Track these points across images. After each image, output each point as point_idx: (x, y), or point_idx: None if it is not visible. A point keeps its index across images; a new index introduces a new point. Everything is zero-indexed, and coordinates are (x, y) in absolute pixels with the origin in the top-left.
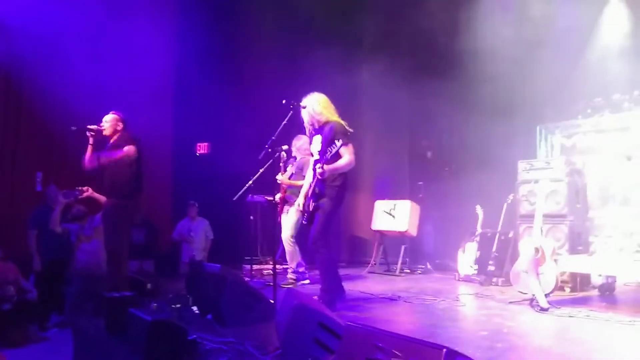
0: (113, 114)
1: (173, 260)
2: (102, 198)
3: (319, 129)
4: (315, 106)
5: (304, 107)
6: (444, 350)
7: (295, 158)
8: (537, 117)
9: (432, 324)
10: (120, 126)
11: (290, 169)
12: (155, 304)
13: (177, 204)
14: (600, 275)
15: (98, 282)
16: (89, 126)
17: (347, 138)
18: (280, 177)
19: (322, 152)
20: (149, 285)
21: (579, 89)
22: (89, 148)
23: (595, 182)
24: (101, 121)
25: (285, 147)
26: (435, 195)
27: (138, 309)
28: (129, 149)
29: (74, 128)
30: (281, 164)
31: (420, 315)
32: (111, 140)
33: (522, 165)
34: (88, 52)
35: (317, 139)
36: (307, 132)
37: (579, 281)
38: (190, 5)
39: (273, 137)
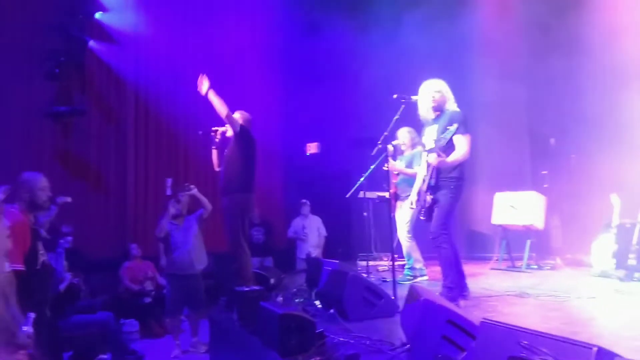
0: (238, 112)
1: (290, 257)
2: (204, 198)
3: (436, 118)
4: (446, 92)
5: (437, 91)
6: (595, 348)
7: (403, 152)
8: None
9: (568, 323)
10: (242, 125)
11: (399, 163)
12: (281, 298)
13: (290, 203)
14: None
15: (193, 281)
16: (213, 128)
17: (466, 128)
18: (392, 163)
19: (437, 142)
20: (272, 281)
21: None
22: (214, 150)
23: None
24: (223, 123)
25: (395, 142)
26: (561, 185)
27: (267, 303)
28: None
29: (200, 132)
30: (389, 159)
31: (553, 313)
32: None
33: None
34: (203, 57)
35: (433, 129)
36: (421, 122)
37: None
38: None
39: (385, 133)
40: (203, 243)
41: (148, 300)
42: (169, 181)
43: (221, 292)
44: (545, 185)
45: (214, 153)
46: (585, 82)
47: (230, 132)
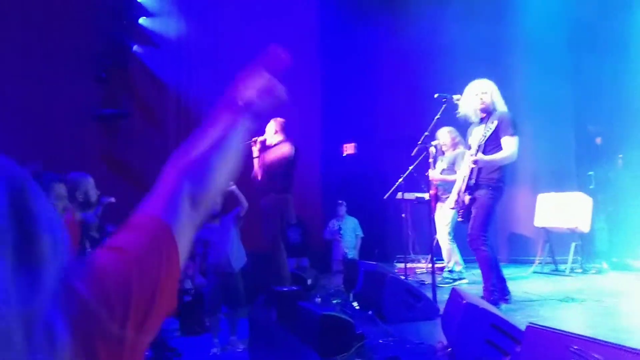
0: (273, 120)
1: (326, 257)
2: (242, 196)
3: (482, 119)
4: (495, 93)
5: (484, 93)
6: None
7: (444, 152)
8: None
9: (617, 329)
10: (280, 132)
11: (440, 164)
12: (319, 298)
13: (326, 204)
14: None
15: (230, 279)
16: (253, 138)
17: (515, 130)
18: (432, 173)
19: (486, 143)
20: (309, 281)
21: None
22: (255, 160)
23: None
24: (263, 130)
25: (435, 142)
26: (608, 186)
27: (305, 303)
28: (287, 149)
29: (249, 140)
30: (430, 160)
31: (600, 318)
32: (273, 146)
33: None
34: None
35: (479, 130)
36: (470, 122)
37: None
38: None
39: (426, 133)
40: (241, 242)
41: (188, 298)
42: None
43: (260, 291)
44: (591, 187)
45: (255, 162)
46: (634, 81)
47: (270, 141)
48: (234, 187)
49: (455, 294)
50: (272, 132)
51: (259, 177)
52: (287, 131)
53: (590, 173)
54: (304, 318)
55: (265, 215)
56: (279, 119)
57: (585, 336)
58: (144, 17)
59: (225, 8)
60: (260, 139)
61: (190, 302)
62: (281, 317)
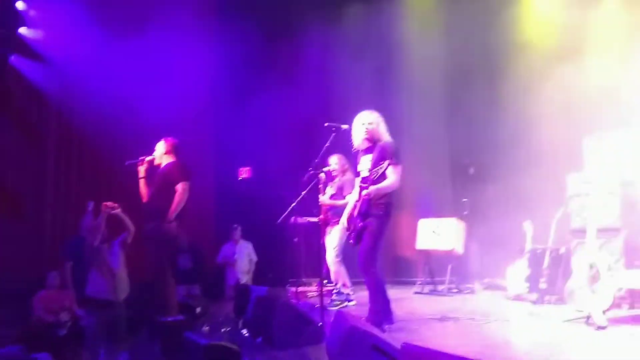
0: (164, 140)
1: (219, 283)
2: (127, 220)
3: (369, 148)
4: (381, 124)
5: (370, 123)
6: None
7: (333, 178)
8: (586, 126)
9: (485, 345)
10: (171, 153)
11: (329, 190)
12: (207, 327)
13: (220, 228)
14: None
15: (113, 309)
16: (141, 158)
17: (398, 159)
18: (322, 198)
19: (370, 172)
20: (198, 309)
21: (630, 97)
22: (141, 181)
23: None
24: (152, 148)
25: (326, 168)
26: (480, 212)
27: (191, 333)
28: (183, 188)
29: (127, 163)
30: (320, 186)
31: (471, 336)
32: (162, 168)
33: (571, 177)
34: (131, 81)
35: (367, 159)
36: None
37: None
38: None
39: (316, 160)
40: (126, 270)
41: (63, 332)
42: (91, 204)
43: (144, 323)
44: (465, 212)
45: (142, 183)
46: (502, 117)
47: (159, 161)
48: (118, 211)
49: (339, 317)
50: (162, 152)
51: (144, 199)
52: (179, 152)
53: (464, 200)
54: (188, 350)
55: (150, 242)
56: (170, 139)
57: (453, 353)
58: (25, 27)
59: (112, 21)
60: (149, 158)
61: (65, 336)
62: (165, 350)
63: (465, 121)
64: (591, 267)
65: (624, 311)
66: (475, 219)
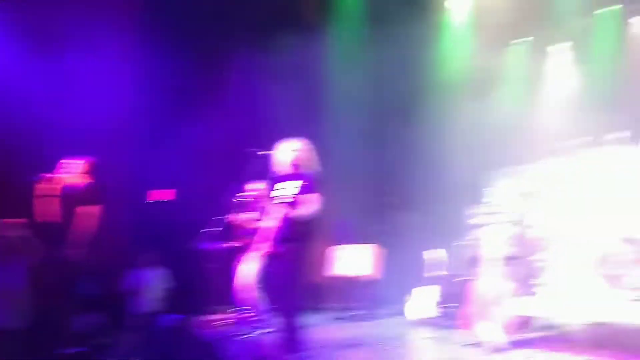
0: (80, 160)
1: (127, 312)
2: (36, 243)
3: (290, 175)
4: (307, 152)
5: (296, 150)
6: None
7: (255, 203)
8: (486, 162)
9: None
10: (86, 173)
11: (251, 214)
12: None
13: (132, 254)
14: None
15: (7, 338)
16: (42, 174)
17: (320, 186)
18: (242, 223)
19: (294, 197)
20: (100, 340)
21: (527, 135)
22: (54, 199)
23: (543, 225)
24: (65, 168)
25: (247, 193)
26: (396, 240)
27: None
28: (94, 211)
29: (34, 178)
30: (241, 211)
31: None
32: (76, 188)
33: (470, 209)
34: (45, 96)
35: (285, 185)
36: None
37: (534, 322)
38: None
39: (236, 185)
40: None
41: None
42: None
43: (41, 354)
44: (381, 239)
45: (41, 201)
46: (419, 147)
47: (73, 181)
48: (25, 232)
49: (247, 345)
50: (78, 171)
51: (39, 219)
52: (96, 173)
53: (381, 227)
54: None
55: (52, 266)
56: (88, 159)
57: None
58: None
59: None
60: (59, 176)
61: None
62: None
63: (385, 153)
64: (489, 292)
65: (521, 335)
66: (391, 246)
